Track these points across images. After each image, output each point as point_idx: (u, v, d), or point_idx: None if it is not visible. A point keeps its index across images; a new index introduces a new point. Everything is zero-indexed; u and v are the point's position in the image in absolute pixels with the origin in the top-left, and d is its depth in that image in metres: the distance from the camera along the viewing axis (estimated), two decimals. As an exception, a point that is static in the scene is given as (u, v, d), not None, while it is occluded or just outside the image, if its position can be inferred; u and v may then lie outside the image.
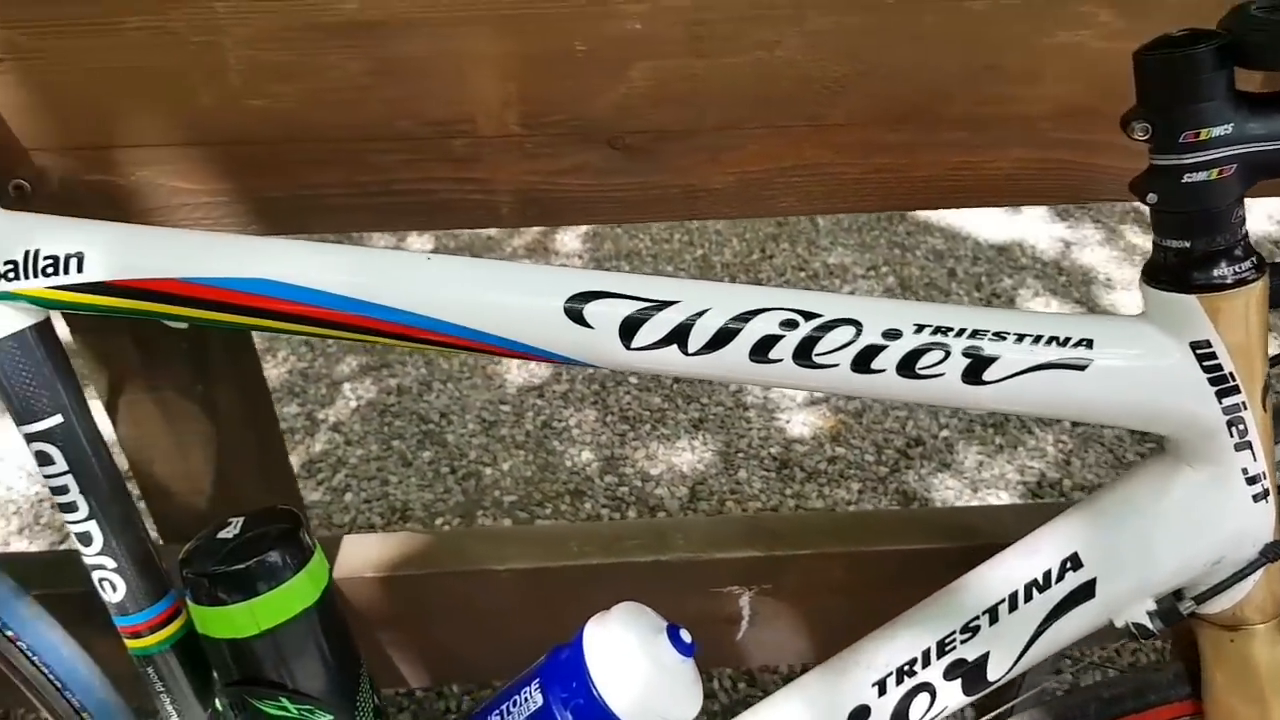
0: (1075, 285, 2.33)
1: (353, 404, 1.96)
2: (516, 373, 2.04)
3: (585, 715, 0.63)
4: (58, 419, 0.62)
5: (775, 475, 1.79)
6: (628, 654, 0.63)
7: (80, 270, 0.57)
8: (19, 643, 0.72)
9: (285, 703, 0.66)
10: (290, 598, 0.66)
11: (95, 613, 0.75)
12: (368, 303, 0.56)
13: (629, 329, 0.54)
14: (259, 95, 0.64)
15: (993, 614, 0.58)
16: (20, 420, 0.62)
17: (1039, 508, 1.49)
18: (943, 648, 0.59)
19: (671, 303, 0.54)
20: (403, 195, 0.69)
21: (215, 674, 0.68)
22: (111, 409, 0.84)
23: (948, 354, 0.52)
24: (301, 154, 0.66)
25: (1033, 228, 2.52)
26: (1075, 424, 1.92)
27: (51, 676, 0.72)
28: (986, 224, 2.53)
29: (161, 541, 1.02)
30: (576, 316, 0.54)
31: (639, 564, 0.94)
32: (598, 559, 0.94)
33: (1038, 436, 1.89)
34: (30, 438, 0.63)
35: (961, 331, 0.52)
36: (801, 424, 1.90)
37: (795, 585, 0.96)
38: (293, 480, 1.00)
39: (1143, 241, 2.49)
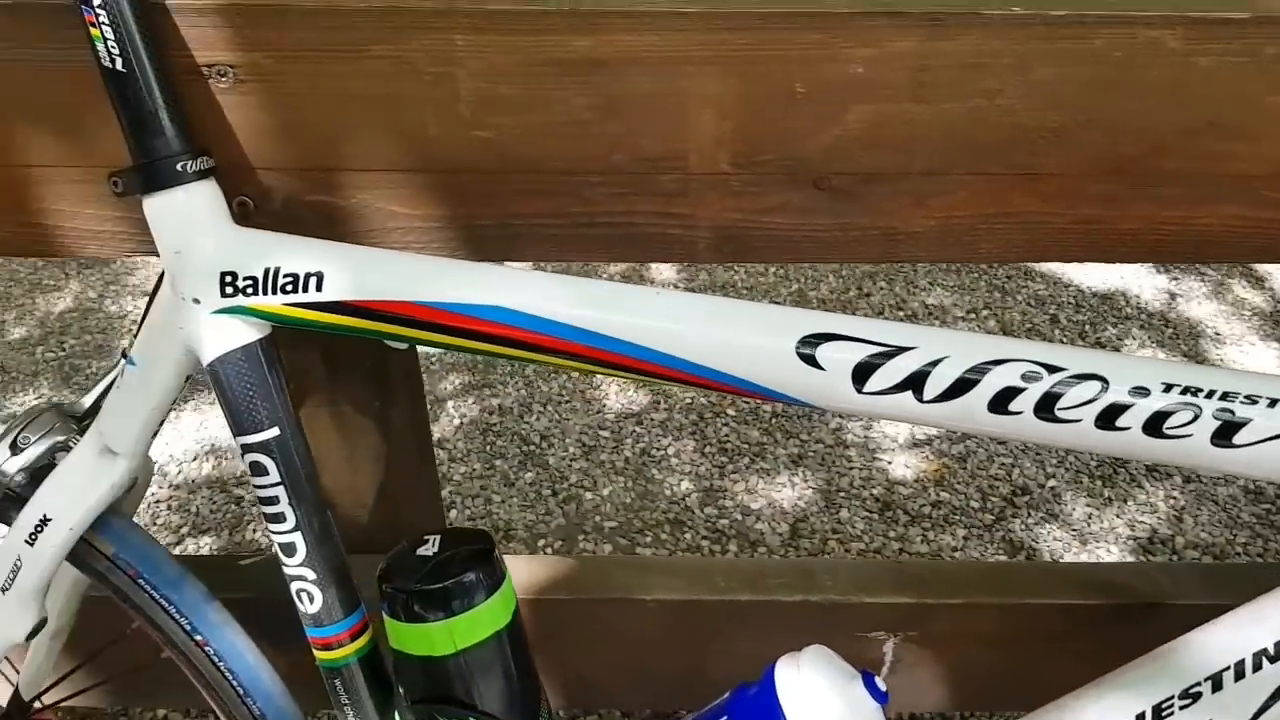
0: (1183, 338, 2.27)
1: (456, 421, 1.99)
2: (615, 398, 2.05)
3: (776, 756, 0.63)
4: (275, 431, 0.64)
5: (878, 517, 1.77)
6: (823, 697, 0.63)
7: (319, 289, 0.59)
8: (206, 647, 0.74)
9: (472, 722, 0.67)
10: (485, 619, 0.66)
11: (269, 620, 0.77)
12: (598, 334, 0.57)
13: (862, 373, 0.54)
14: (484, 126, 0.65)
15: (1216, 681, 0.57)
16: (239, 431, 0.64)
17: (1194, 568, 1.44)
18: (1159, 713, 0.58)
19: (908, 349, 0.54)
20: (605, 227, 0.70)
21: (400, 690, 0.69)
22: (289, 421, 0.86)
23: (1197, 415, 0.51)
24: (516, 184, 0.68)
25: (1136, 279, 2.48)
26: (1187, 479, 1.87)
27: (234, 682, 0.74)
28: (1088, 272, 2.48)
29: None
30: (809, 358, 0.54)
31: (785, 603, 0.93)
32: (744, 595, 0.93)
33: (1148, 490, 1.85)
34: (247, 448, 0.65)
35: (1212, 393, 0.51)
36: (904, 466, 1.88)
37: (942, 634, 0.94)
38: (440, 498, 1.01)
39: (1251, 296, 2.43)
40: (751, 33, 0.62)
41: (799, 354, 0.55)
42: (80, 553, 0.71)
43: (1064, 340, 2.25)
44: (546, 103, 0.65)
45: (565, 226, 0.70)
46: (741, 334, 0.56)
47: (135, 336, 0.71)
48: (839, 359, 0.54)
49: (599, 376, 2.08)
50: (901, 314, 2.34)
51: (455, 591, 0.65)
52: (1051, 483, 1.86)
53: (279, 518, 0.66)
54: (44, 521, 0.68)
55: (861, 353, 0.54)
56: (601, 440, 1.95)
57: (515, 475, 1.86)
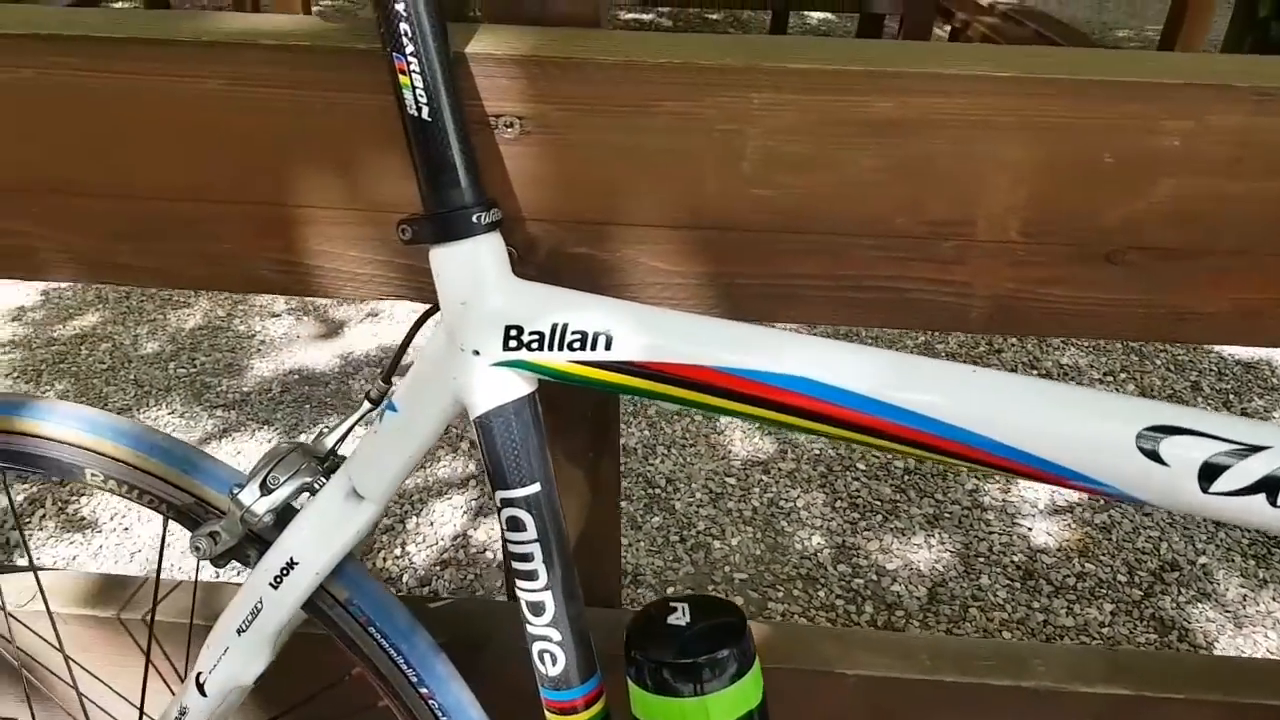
0: (1335, 411, 2.17)
1: (582, 460, 1.97)
2: (740, 445, 2.02)
3: None
4: (536, 487, 0.62)
5: (1020, 585, 1.70)
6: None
7: (608, 348, 0.57)
8: (431, 700, 0.72)
9: (718, 806, 0.64)
10: (740, 698, 0.63)
11: (486, 673, 0.75)
12: (907, 410, 0.54)
13: (1210, 472, 0.50)
14: (765, 185, 0.63)
15: None
16: (501, 484, 0.63)
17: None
18: None
19: (1264, 448, 0.50)
20: (874, 291, 0.68)
21: (639, 762, 0.67)
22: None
23: None
24: (788, 244, 0.66)
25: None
26: (1350, 565, 1.76)
27: (456, 739, 0.72)
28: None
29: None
30: (1150, 452, 0.51)
31: (994, 687, 0.88)
32: (950, 676, 0.89)
33: (1307, 573, 1.75)
34: (507, 502, 0.63)
35: None
36: (1045, 533, 1.81)
37: (1162, 731, 0.89)
38: (620, 550, 0.99)
39: None
40: (1066, 99, 0.59)
41: (1140, 447, 0.51)
42: (313, 596, 0.70)
43: (1208, 408, 2.16)
44: (834, 163, 0.62)
45: (831, 289, 0.68)
46: (1077, 421, 0.52)
47: (383, 379, 0.70)
48: (1185, 455, 0.50)
49: (735, 421, 2.04)
50: (1035, 372, 2.27)
51: (712, 667, 0.63)
52: (1202, 559, 1.78)
53: (531, 575, 0.64)
54: (290, 565, 0.67)
55: (1211, 449, 0.50)
56: (728, 487, 1.91)
57: (642, 519, 1.83)
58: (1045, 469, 0.53)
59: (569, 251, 0.67)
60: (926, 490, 1.90)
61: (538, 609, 0.65)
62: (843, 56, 0.60)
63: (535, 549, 0.63)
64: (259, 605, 0.68)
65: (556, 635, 0.65)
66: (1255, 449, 0.50)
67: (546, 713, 0.68)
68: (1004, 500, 1.88)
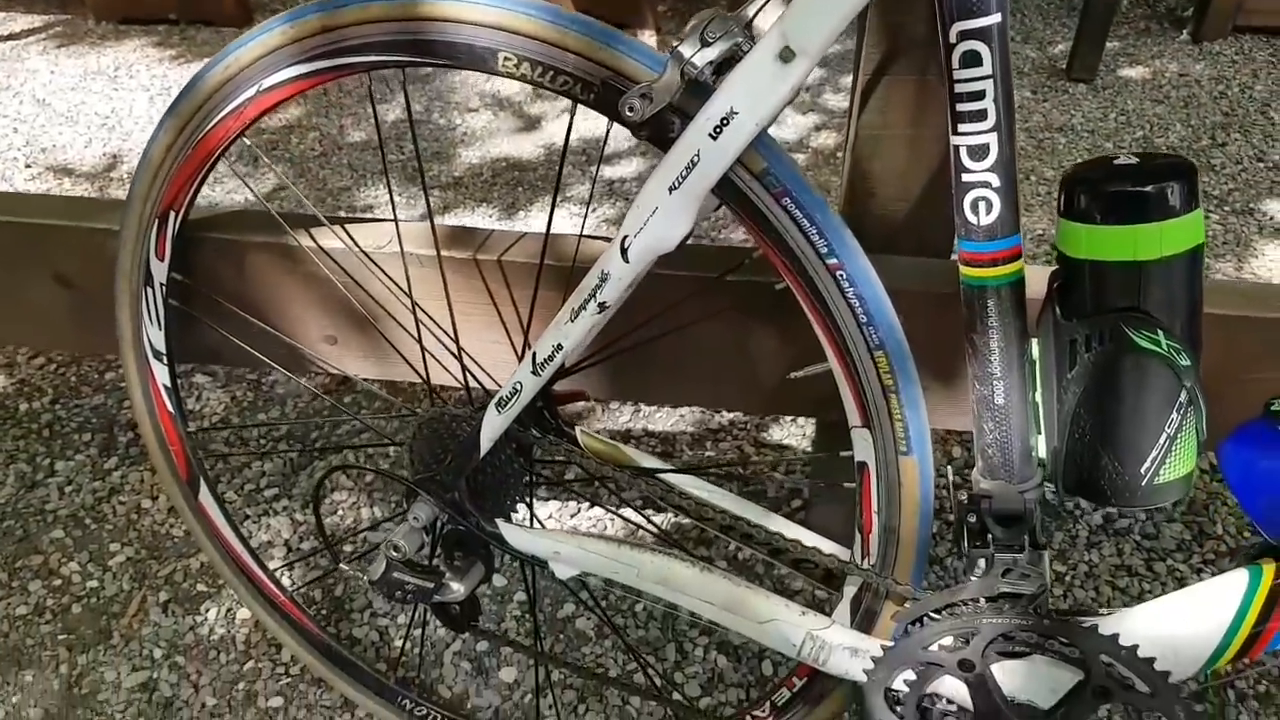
0: None
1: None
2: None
3: None
4: (998, 18, 0.63)
5: None
6: None
7: None
8: (839, 271, 0.75)
9: (1161, 337, 0.66)
10: (1189, 230, 0.65)
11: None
12: None
13: None
14: None
15: None
16: (960, 14, 0.63)
17: None
18: None
19: None
20: None
21: (1065, 308, 0.69)
22: (870, 88, 0.86)
23: None
24: None
25: None
26: None
27: (861, 309, 0.75)
28: None
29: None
30: None
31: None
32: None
33: None
34: (964, 34, 0.63)
35: None
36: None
37: None
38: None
39: None
40: None
41: None
42: (727, 172, 0.73)
43: None
44: None
45: None
46: None
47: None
48: None
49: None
50: (1262, 165, 2.16)
51: (1168, 194, 0.64)
52: None
53: (979, 115, 0.65)
54: (730, 115, 0.70)
55: None
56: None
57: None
58: None
59: None
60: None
61: (981, 152, 0.66)
62: None
63: (989, 85, 0.64)
64: (695, 159, 0.71)
65: (995, 180, 0.67)
66: None
67: (964, 269, 0.70)
68: None
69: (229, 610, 1.33)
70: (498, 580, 1.34)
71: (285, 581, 1.33)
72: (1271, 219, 2.01)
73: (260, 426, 1.63)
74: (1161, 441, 0.69)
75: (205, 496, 1.12)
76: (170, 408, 1.06)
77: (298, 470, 1.52)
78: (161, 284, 0.99)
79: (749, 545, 0.91)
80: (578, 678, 1.22)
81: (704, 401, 1.03)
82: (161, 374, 1.04)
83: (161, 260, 0.97)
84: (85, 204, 1.22)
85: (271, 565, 1.36)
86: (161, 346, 1.02)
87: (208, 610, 1.34)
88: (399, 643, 1.28)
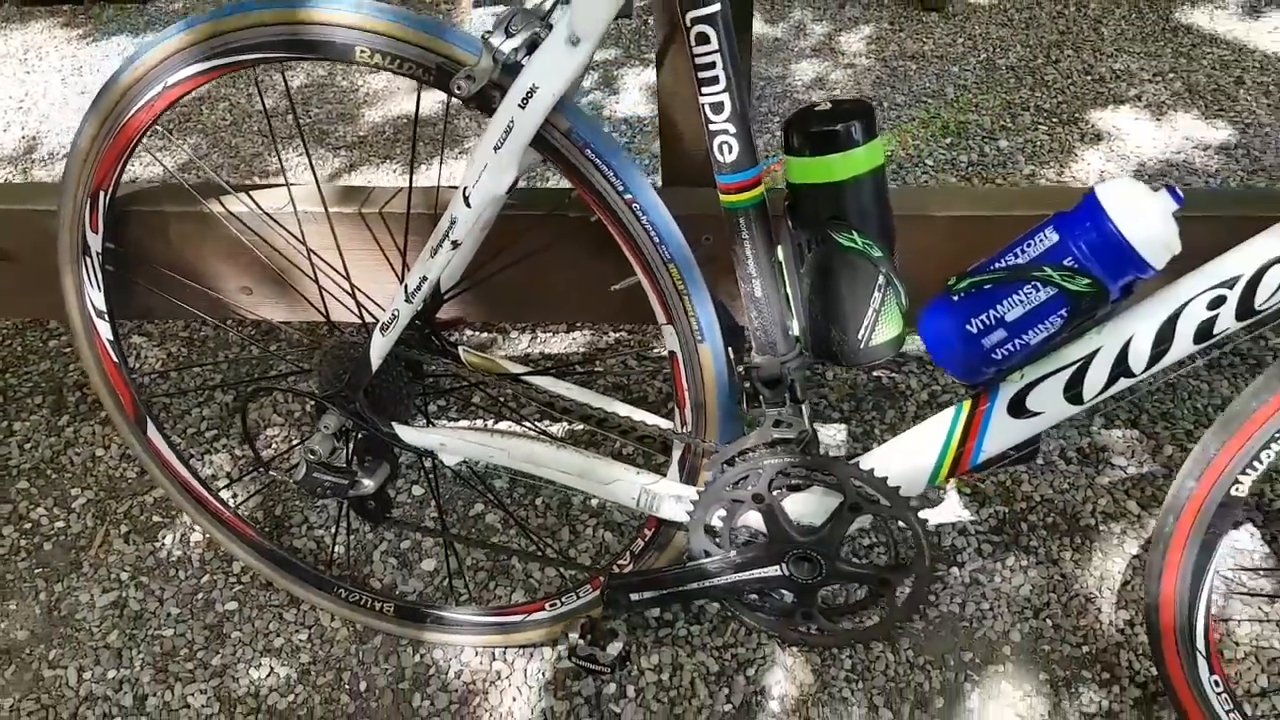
0: (1376, 96, 2.30)
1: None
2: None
3: (1099, 246, 0.82)
4: (716, 6, 0.84)
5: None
6: (1140, 196, 0.82)
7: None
8: (634, 204, 0.97)
9: (855, 235, 0.89)
10: (869, 156, 0.87)
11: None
12: None
13: None
14: None
15: None
16: (689, 6, 0.85)
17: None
18: None
19: None
20: None
21: (791, 221, 0.92)
22: (660, 58, 1.07)
23: None
24: None
25: (1328, 42, 2.48)
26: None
27: (652, 232, 0.98)
28: (1276, 38, 2.50)
29: (661, 183, 1.27)
30: None
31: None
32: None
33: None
34: (696, 20, 0.84)
35: None
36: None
37: None
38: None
39: None
40: None
41: None
42: (542, 130, 0.94)
43: (1249, 99, 2.30)
44: None
45: None
46: None
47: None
48: None
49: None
50: (1090, 78, 2.42)
51: (851, 130, 0.86)
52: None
53: (714, 80, 0.86)
54: (533, 89, 0.90)
55: None
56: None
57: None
58: None
59: None
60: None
61: (719, 108, 0.88)
62: None
63: (718, 58, 0.86)
64: (511, 124, 0.92)
65: (733, 129, 0.89)
66: None
67: (722, 196, 0.93)
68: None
69: (183, 535, 1.54)
70: (416, 490, 1.57)
71: (230, 501, 1.55)
72: (1093, 127, 2.27)
73: (196, 367, 1.82)
74: (869, 314, 0.92)
75: (153, 433, 1.32)
76: (115, 358, 1.25)
77: (233, 414, 1.72)
78: (98, 253, 1.18)
79: (602, 429, 1.14)
80: (485, 558, 1.46)
81: (562, 317, 1.25)
82: (105, 330, 1.23)
83: (96, 233, 1.16)
84: (24, 188, 1.40)
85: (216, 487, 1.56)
86: (103, 306, 1.22)
87: (165, 537, 1.54)
88: (335, 549, 1.50)
